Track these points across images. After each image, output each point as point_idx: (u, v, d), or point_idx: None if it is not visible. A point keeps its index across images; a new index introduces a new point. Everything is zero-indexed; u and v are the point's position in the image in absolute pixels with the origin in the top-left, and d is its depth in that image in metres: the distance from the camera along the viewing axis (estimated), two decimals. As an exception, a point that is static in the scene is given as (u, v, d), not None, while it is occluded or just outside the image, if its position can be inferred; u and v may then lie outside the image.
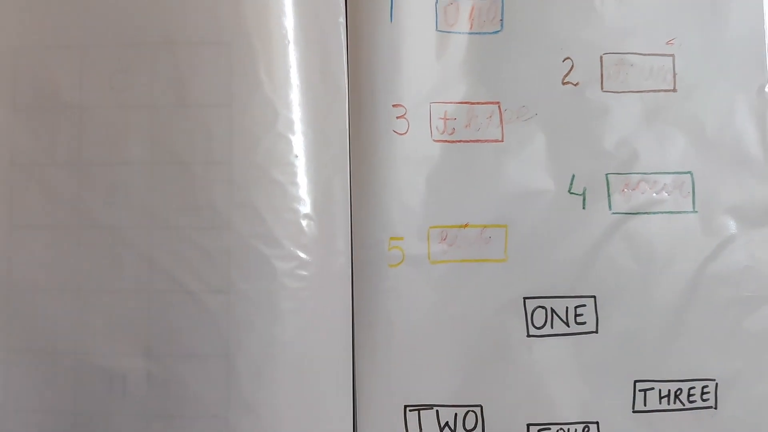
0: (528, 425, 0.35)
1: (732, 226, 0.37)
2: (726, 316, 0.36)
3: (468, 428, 0.35)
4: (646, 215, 0.36)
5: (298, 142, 0.33)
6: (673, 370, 0.36)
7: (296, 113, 0.33)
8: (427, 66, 0.36)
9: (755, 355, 0.36)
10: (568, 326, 0.36)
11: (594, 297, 0.36)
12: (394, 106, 0.35)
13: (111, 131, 0.32)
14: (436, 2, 0.36)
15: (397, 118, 0.35)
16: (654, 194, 0.36)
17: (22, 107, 0.33)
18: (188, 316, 0.32)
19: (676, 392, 0.36)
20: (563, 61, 0.37)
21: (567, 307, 0.36)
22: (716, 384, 0.36)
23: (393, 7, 0.35)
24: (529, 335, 0.35)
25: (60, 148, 0.33)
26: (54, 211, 0.33)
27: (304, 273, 0.33)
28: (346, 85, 0.35)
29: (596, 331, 0.36)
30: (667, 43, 0.37)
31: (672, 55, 0.37)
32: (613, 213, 0.36)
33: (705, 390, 0.36)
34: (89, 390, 0.32)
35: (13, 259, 0.33)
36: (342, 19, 0.35)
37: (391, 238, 0.35)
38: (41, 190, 0.33)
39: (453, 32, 0.36)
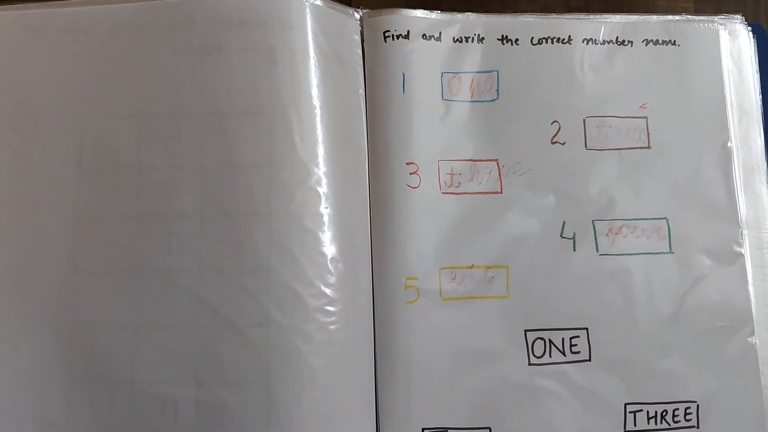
0: (532, 444, 0.39)
1: (705, 264, 0.41)
2: (704, 344, 0.40)
3: (479, 448, 0.39)
4: (629, 256, 0.41)
5: (326, 196, 0.37)
6: (659, 393, 0.39)
7: (325, 171, 0.37)
8: (435, 129, 0.41)
9: (731, 378, 0.40)
10: (565, 355, 0.40)
11: (586, 329, 0.40)
12: (407, 163, 0.40)
13: (166, 188, 0.37)
14: (441, 76, 0.42)
15: (411, 174, 0.40)
16: (635, 237, 0.41)
17: (87, 168, 0.38)
18: (233, 348, 0.36)
19: (662, 413, 0.39)
20: (551, 123, 0.42)
21: (563, 338, 0.40)
22: (698, 405, 0.39)
23: (405, 80, 0.41)
24: (530, 363, 0.39)
25: (120, 203, 0.37)
26: (114, 258, 0.37)
27: (333, 309, 0.37)
28: (366, 147, 0.40)
29: (589, 360, 0.40)
30: (641, 107, 0.42)
31: (645, 117, 0.42)
32: (600, 254, 0.41)
33: (688, 411, 0.39)
34: (144, 416, 0.36)
35: (75, 300, 0.37)
36: (362, 91, 0.41)
37: (407, 278, 0.39)
38: (103, 239, 0.37)
39: (456, 100, 0.42)
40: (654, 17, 0.44)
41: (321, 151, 0.38)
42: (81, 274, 0.37)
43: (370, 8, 0.42)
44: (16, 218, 0.38)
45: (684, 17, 0.44)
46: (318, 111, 0.38)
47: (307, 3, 0.39)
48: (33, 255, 0.37)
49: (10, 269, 0.37)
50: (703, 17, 0.44)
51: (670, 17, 0.44)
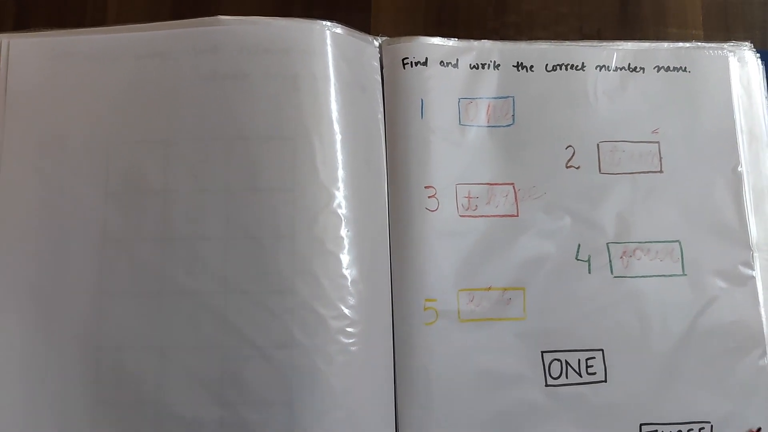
0: (549, 465, 0.39)
1: (717, 286, 0.41)
2: (717, 365, 0.40)
3: (497, 468, 0.39)
4: (643, 278, 0.41)
5: (348, 219, 0.38)
6: (674, 413, 0.40)
7: (346, 194, 0.38)
8: (452, 154, 0.42)
9: (744, 398, 0.40)
10: (581, 376, 0.40)
11: (602, 350, 0.40)
12: (426, 187, 0.41)
13: (192, 211, 0.38)
14: (459, 102, 0.43)
15: (429, 197, 0.41)
16: (648, 260, 0.42)
17: (114, 192, 0.39)
18: (256, 368, 0.36)
19: (677, 434, 0.40)
20: (566, 148, 0.43)
21: (579, 360, 0.40)
22: (711, 426, 0.40)
23: (423, 106, 0.42)
24: (547, 384, 0.40)
25: (147, 226, 0.38)
26: (140, 280, 0.38)
27: (354, 330, 0.37)
28: (386, 171, 0.41)
29: (605, 380, 0.40)
30: (653, 132, 0.43)
31: (657, 142, 0.43)
32: (615, 277, 0.41)
33: (702, 431, 0.40)
34: (169, 436, 0.36)
35: (102, 322, 0.37)
36: (381, 116, 0.42)
37: (426, 300, 0.40)
38: (129, 262, 0.38)
39: (473, 125, 0.42)
40: (665, 44, 0.45)
41: (342, 175, 0.39)
42: (107, 296, 0.38)
43: (388, 36, 0.43)
44: (44, 241, 0.38)
45: (694, 44, 0.45)
46: (339, 136, 0.39)
47: (329, 31, 0.40)
48: (60, 277, 0.38)
49: (37, 291, 0.38)
50: (712, 44, 0.45)
51: (680, 44, 0.45)
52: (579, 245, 0.41)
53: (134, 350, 0.37)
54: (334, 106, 0.39)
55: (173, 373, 0.37)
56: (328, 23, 0.40)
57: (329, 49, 0.40)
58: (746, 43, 0.45)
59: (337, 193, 0.38)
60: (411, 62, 0.42)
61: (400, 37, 0.43)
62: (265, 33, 0.39)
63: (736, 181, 0.43)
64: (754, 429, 0.40)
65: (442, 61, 0.42)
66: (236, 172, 0.38)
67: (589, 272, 0.41)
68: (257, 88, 0.39)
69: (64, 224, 0.39)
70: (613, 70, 0.44)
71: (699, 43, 0.45)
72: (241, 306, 0.37)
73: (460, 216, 0.41)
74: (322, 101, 0.39)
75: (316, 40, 0.40)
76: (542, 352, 0.40)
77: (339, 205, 0.38)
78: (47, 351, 0.38)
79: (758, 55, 0.45)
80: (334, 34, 0.40)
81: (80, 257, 0.38)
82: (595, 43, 0.44)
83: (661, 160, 0.43)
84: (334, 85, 0.39)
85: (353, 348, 0.37)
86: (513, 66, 0.43)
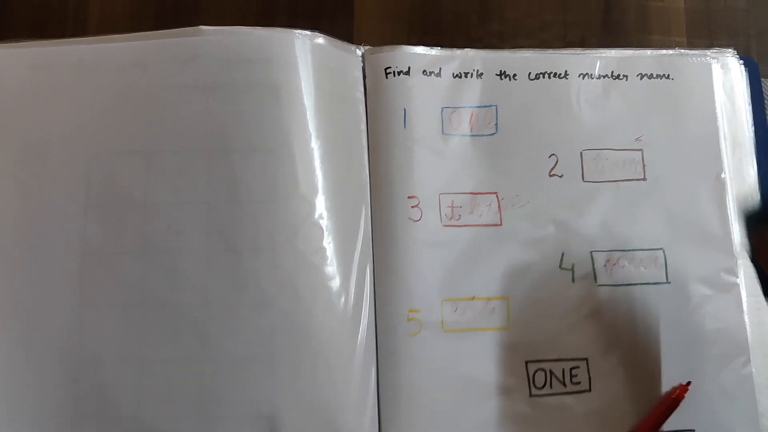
0: (533, 475, 0.39)
1: (701, 293, 0.41)
2: (701, 372, 0.40)
3: (481, 478, 0.39)
4: (627, 286, 0.41)
5: (329, 230, 0.38)
6: (658, 422, 0.40)
7: (327, 206, 0.38)
8: (435, 163, 0.41)
9: (728, 406, 0.40)
10: (565, 386, 0.40)
11: (586, 359, 0.40)
12: (409, 197, 0.41)
13: (173, 224, 0.38)
14: (442, 111, 0.42)
15: (412, 207, 0.41)
16: (633, 268, 0.42)
17: (94, 204, 0.38)
18: (236, 382, 0.36)
19: (662, 442, 0.40)
20: (549, 156, 0.42)
21: (563, 369, 0.40)
22: (696, 434, 0.40)
23: (406, 115, 0.41)
24: (531, 395, 0.40)
25: (127, 239, 0.38)
26: (121, 293, 0.37)
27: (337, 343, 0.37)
28: (368, 181, 0.41)
29: (590, 390, 0.40)
30: (636, 139, 0.43)
31: (641, 150, 0.43)
32: (599, 285, 0.41)
33: (687, 439, 0.40)
34: (149, 450, 0.36)
35: (82, 335, 0.37)
36: (364, 126, 0.41)
37: (410, 311, 0.39)
38: (109, 274, 0.37)
39: (456, 135, 0.42)
40: (648, 52, 0.45)
41: (324, 186, 0.38)
42: (87, 309, 0.37)
43: (372, 44, 0.43)
44: (23, 252, 0.38)
45: (677, 51, 0.45)
46: (321, 147, 0.39)
47: (310, 41, 0.40)
48: (39, 289, 0.38)
49: (17, 303, 0.38)
50: (695, 51, 0.45)
51: (663, 52, 0.45)
52: (563, 254, 0.41)
53: (114, 363, 0.37)
54: (315, 117, 0.39)
55: (153, 387, 0.36)
56: (310, 33, 0.40)
57: (311, 59, 0.40)
58: (729, 49, 0.45)
59: (318, 204, 0.38)
60: (394, 71, 0.42)
61: (383, 46, 0.43)
62: (246, 43, 0.39)
63: (719, 188, 0.43)
64: (684, 383, 0.40)
65: (424, 71, 0.42)
66: (217, 184, 0.38)
67: (573, 281, 0.41)
68: (238, 99, 0.38)
69: (43, 235, 0.38)
70: (596, 78, 0.44)
71: (682, 50, 0.45)
72: (221, 319, 0.37)
73: (444, 226, 0.41)
74: (304, 112, 0.39)
75: (297, 50, 0.39)
76: (526, 362, 0.40)
77: (321, 216, 0.38)
78: (27, 363, 0.37)
79: (741, 61, 0.45)
80: (315, 45, 0.40)
81: (60, 269, 0.38)
82: (578, 51, 0.44)
83: (644, 168, 0.43)
84: (316, 95, 0.39)
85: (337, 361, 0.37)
86: (496, 74, 0.43)
